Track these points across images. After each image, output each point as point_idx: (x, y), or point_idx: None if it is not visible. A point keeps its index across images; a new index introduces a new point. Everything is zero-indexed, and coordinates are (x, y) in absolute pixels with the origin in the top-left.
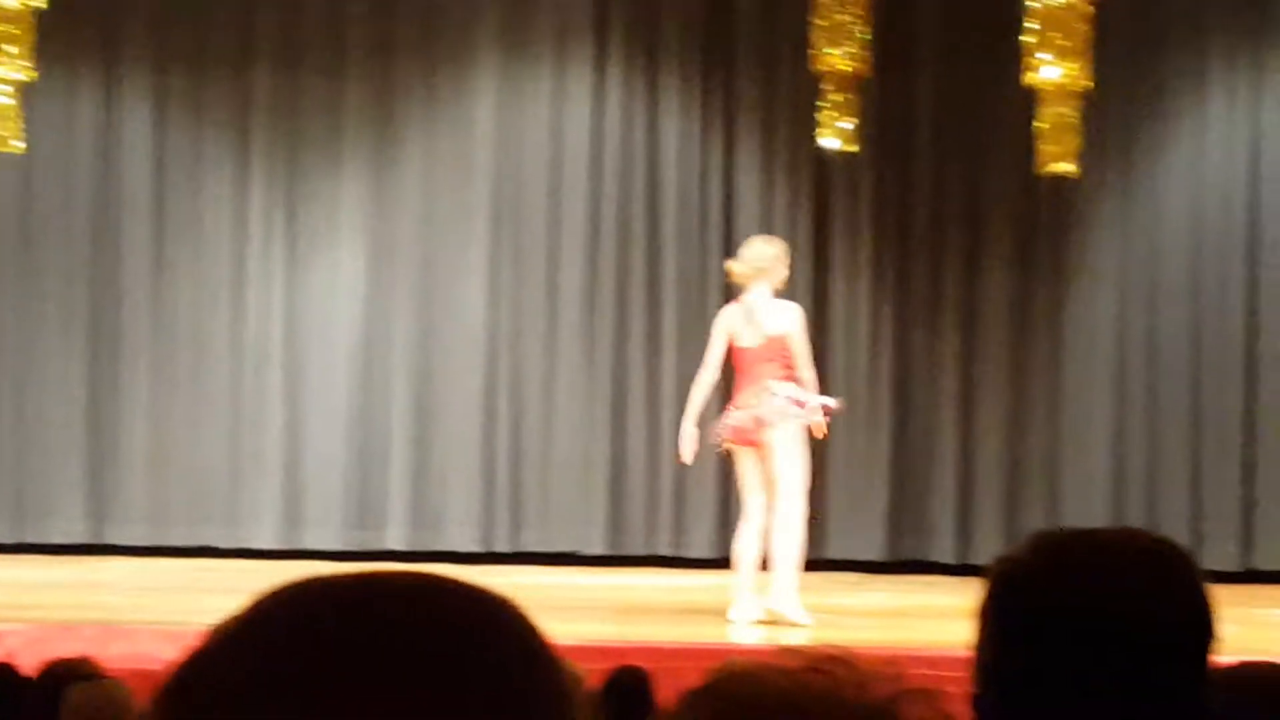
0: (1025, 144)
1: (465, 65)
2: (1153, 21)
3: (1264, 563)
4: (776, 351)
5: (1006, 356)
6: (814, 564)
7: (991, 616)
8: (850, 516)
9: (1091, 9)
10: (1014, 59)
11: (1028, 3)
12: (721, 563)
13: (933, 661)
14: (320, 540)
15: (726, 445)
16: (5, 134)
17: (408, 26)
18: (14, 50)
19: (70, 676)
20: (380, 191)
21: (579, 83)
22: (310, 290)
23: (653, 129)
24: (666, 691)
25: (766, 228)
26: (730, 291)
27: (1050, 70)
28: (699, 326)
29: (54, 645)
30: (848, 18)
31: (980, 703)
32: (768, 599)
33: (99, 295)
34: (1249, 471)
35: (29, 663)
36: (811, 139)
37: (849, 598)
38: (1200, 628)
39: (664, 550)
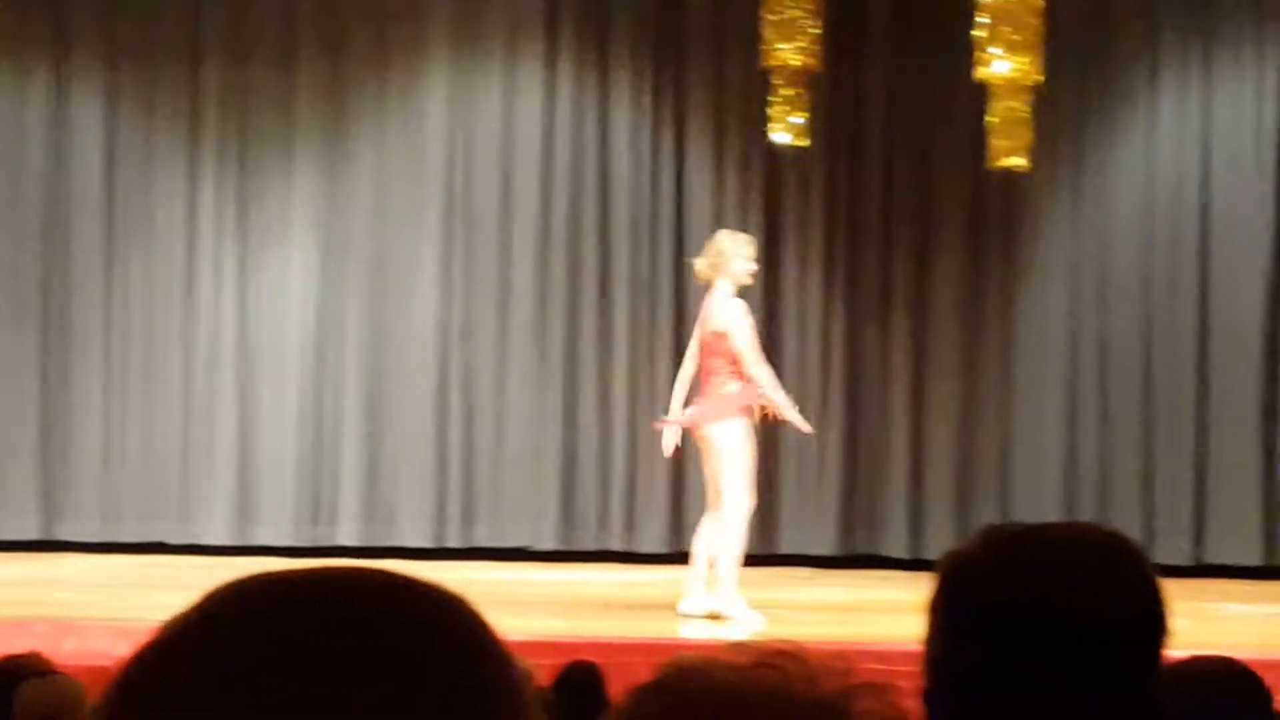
0: (976, 139)
1: (416, 61)
2: (1104, 17)
3: (1215, 557)
4: (720, 348)
5: (958, 352)
6: (766, 559)
7: (942, 611)
8: (802, 512)
9: (1042, 3)
10: (965, 53)
11: None
12: (673, 558)
13: (885, 656)
14: (272, 536)
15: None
16: None
17: (358, 22)
18: None
19: (22, 673)
20: (332, 187)
21: (530, 78)
22: (262, 287)
23: (604, 125)
24: (618, 687)
25: (718, 223)
26: (682, 286)
27: (1001, 65)
28: (650, 322)
29: (6, 642)
30: (798, 13)
31: (930, 697)
32: (712, 596)
33: (50, 292)
34: (1200, 466)
35: None
36: (762, 134)
37: (801, 593)
38: (1151, 622)
39: (615, 546)
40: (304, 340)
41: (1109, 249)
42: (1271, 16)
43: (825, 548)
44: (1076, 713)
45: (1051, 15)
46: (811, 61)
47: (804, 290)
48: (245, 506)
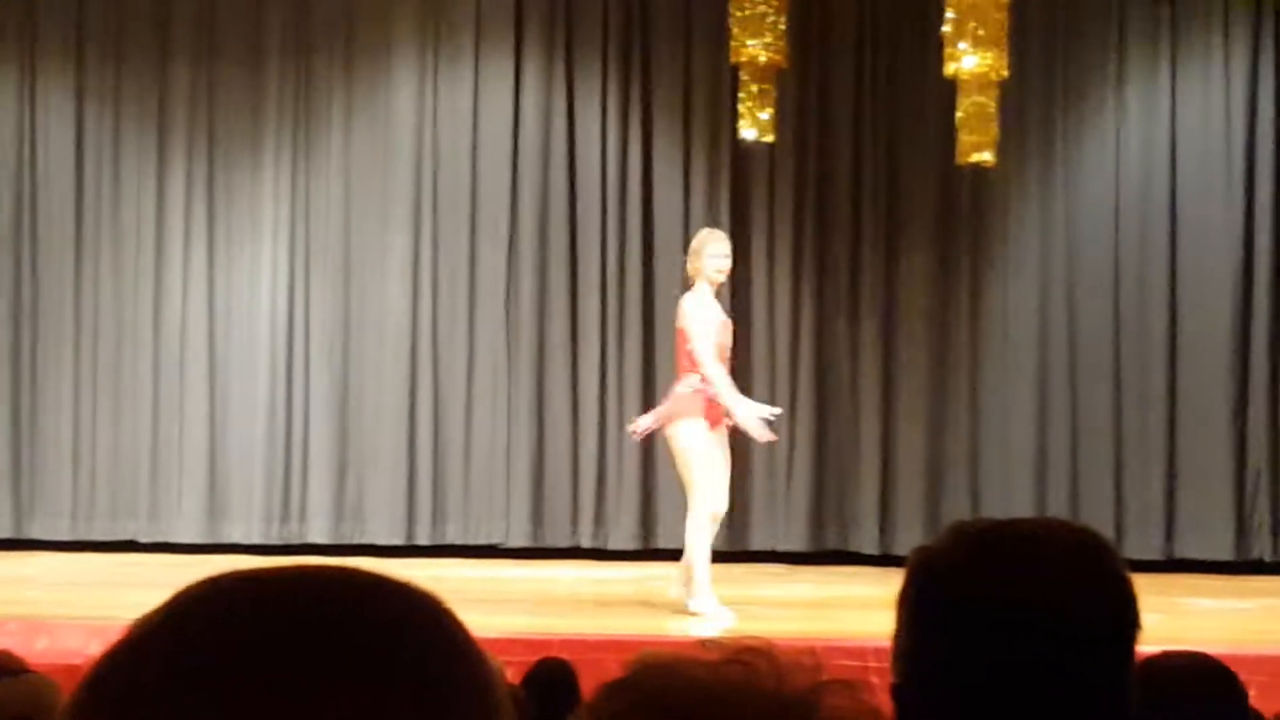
0: (944, 135)
1: (384, 56)
2: (1071, 11)
3: (1186, 552)
4: (684, 347)
5: (927, 347)
6: (737, 555)
7: (911, 607)
8: (772, 508)
9: None
10: (932, 48)
11: None
12: (643, 555)
13: (855, 652)
14: (242, 534)
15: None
16: None
17: (327, 20)
18: None
19: None
20: (300, 185)
21: (498, 76)
22: (231, 285)
23: (572, 122)
24: (589, 684)
25: (685, 219)
26: (650, 283)
27: (968, 60)
28: (619, 318)
29: None
30: (765, 9)
31: (900, 692)
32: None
33: (19, 289)
34: (1170, 462)
35: None
36: (730, 129)
37: (772, 589)
38: (1122, 617)
39: (586, 543)
40: (273, 338)
41: (1078, 244)
42: (1238, 9)
43: (796, 544)
44: (1047, 708)
45: (1018, 10)
46: (778, 57)
47: (772, 287)
48: (215, 504)
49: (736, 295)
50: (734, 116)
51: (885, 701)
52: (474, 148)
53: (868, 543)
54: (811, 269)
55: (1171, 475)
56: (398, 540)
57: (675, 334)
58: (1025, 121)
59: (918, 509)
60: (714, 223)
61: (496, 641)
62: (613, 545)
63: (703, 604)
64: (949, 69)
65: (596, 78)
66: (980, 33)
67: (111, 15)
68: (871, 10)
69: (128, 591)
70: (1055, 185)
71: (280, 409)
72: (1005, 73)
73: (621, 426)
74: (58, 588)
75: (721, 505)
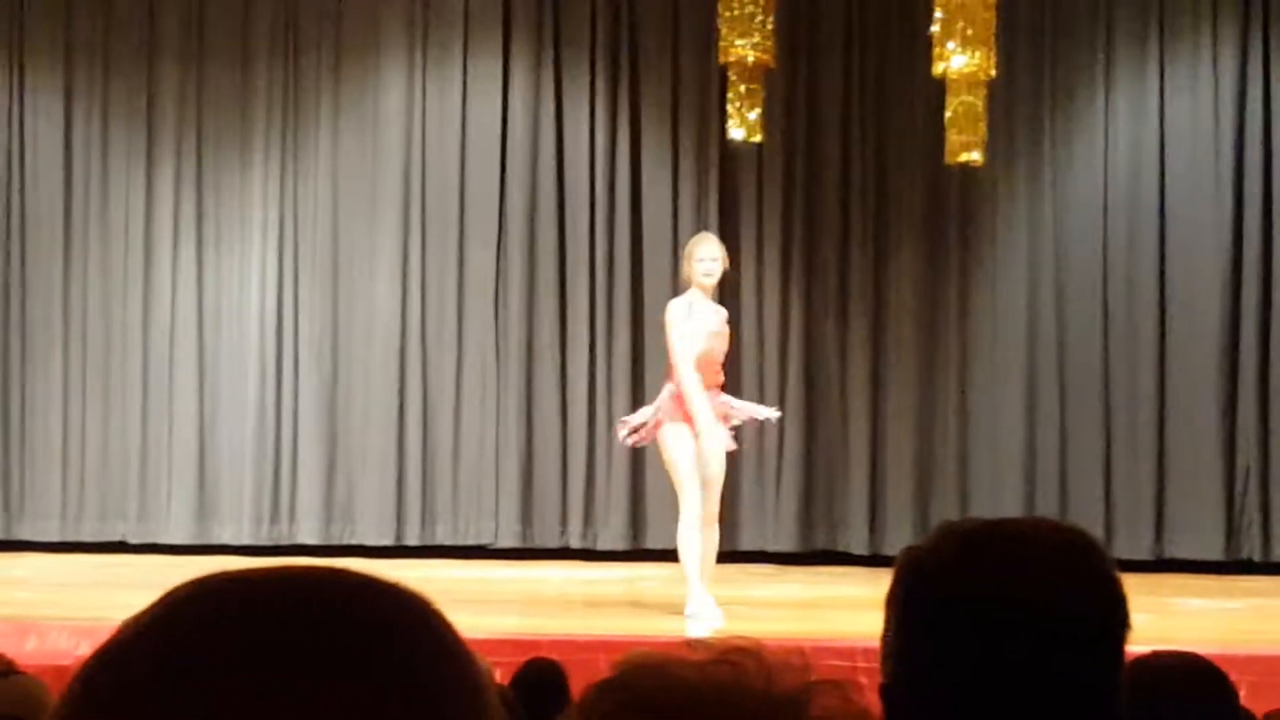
0: (933, 134)
1: (373, 56)
2: (1059, 11)
3: (1175, 552)
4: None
5: (916, 347)
6: (726, 556)
7: (900, 606)
8: (762, 508)
9: None
10: (920, 48)
11: None
12: (632, 555)
13: (845, 652)
14: (231, 535)
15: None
16: None
17: (315, 18)
18: None
19: None
20: (289, 184)
21: (486, 76)
22: (220, 285)
23: (560, 120)
24: (578, 685)
25: (674, 219)
26: (639, 283)
27: (956, 59)
28: (608, 319)
29: None
30: (753, 8)
31: (889, 692)
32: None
33: (7, 290)
34: (1160, 461)
35: None
36: (718, 129)
37: (761, 589)
38: (1111, 617)
39: (575, 543)
40: (262, 338)
41: (1067, 245)
42: (1226, 8)
43: (785, 544)
44: (1037, 709)
45: (1006, 10)
46: (766, 57)
47: (761, 287)
48: (205, 505)
49: (724, 296)
50: (722, 116)
51: (874, 702)
52: (462, 148)
53: (857, 543)
54: (800, 269)
55: (1161, 475)
56: (387, 541)
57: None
58: (1014, 121)
59: (907, 509)
60: (702, 223)
61: (486, 642)
62: (602, 546)
63: (695, 606)
64: (937, 69)
65: (585, 78)
66: (969, 32)
67: (100, 15)
68: (860, 10)
69: (117, 592)
70: (1044, 185)
71: (269, 410)
72: (994, 72)
73: (611, 427)
74: (47, 589)
75: (698, 507)
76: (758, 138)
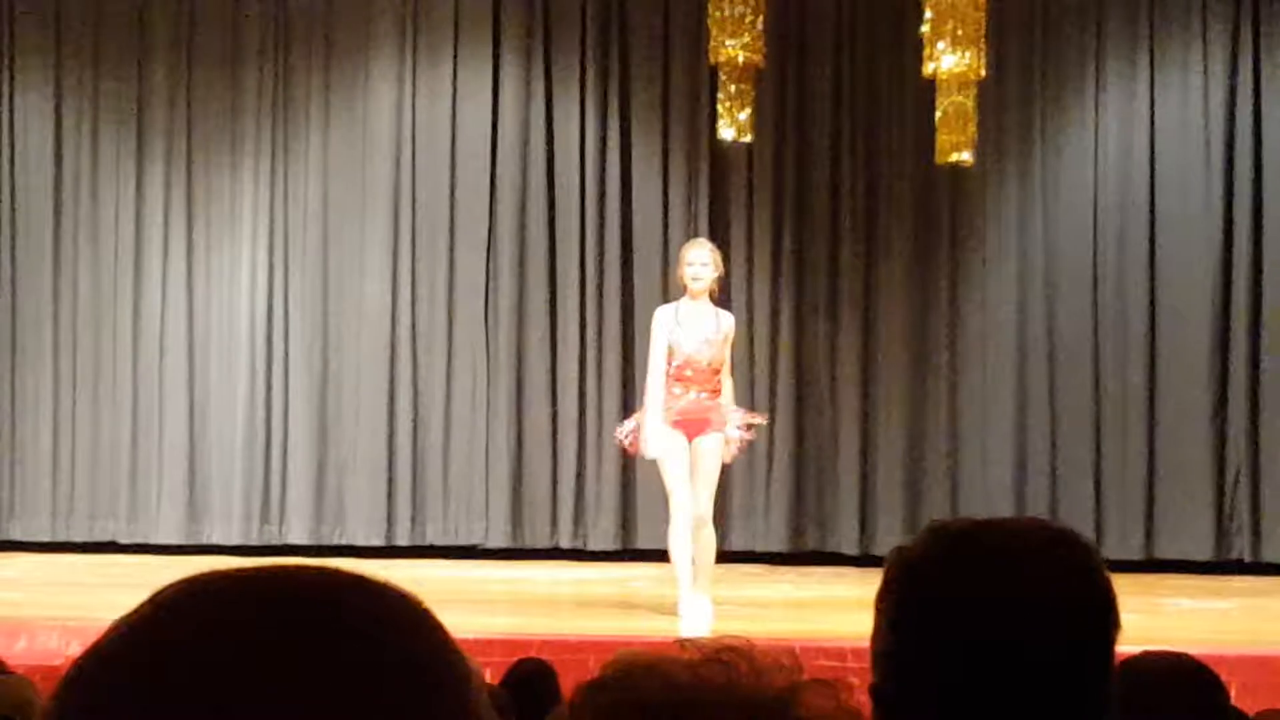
0: (923, 134)
1: (363, 56)
2: (1050, 11)
3: (1166, 552)
4: None
5: (906, 347)
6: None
7: (890, 607)
8: (752, 508)
9: None
10: (910, 48)
11: None
12: (622, 555)
13: (835, 652)
14: (222, 535)
15: None
16: None
17: (305, 17)
18: None
19: None
20: (279, 184)
21: (476, 76)
22: (210, 286)
23: (550, 120)
24: (568, 685)
25: (664, 219)
26: (629, 284)
27: (947, 59)
28: (598, 319)
29: None
30: (743, 8)
31: (879, 692)
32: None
33: None
34: (1150, 461)
35: None
36: (708, 129)
37: (751, 589)
38: (1101, 616)
39: (565, 543)
40: (252, 338)
41: (1057, 245)
42: (1216, 9)
43: (775, 544)
44: (1027, 708)
45: (996, 10)
46: (757, 58)
47: (751, 287)
48: (195, 505)
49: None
50: (712, 117)
51: (864, 702)
52: (452, 148)
53: (847, 543)
54: (790, 269)
55: (1151, 475)
56: (377, 541)
57: None
58: (1004, 122)
59: (897, 509)
60: (692, 223)
61: (476, 642)
62: (592, 546)
63: (683, 607)
64: (927, 69)
65: (575, 77)
66: (959, 32)
67: (90, 14)
68: (850, 10)
69: (107, 592)
70: (1034, 185)
71: (259, 410)
72: (984, 73)
73: (601, 427)
74: (37, 589)
75: (685, 509)
76: (748, 138)
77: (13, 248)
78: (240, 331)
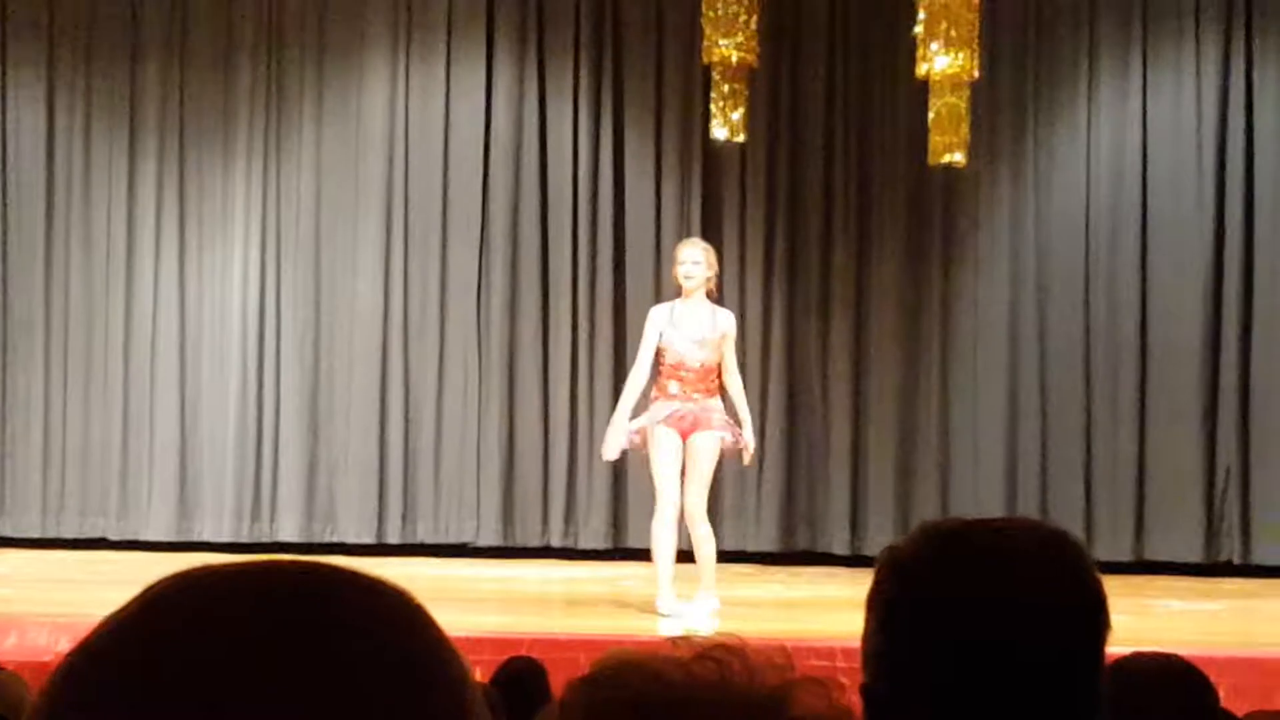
0: (916, 135)
1: (356, 54)
2: (1043, 12)
3: (1156, 554)
4: None
5: (898, 347)
6: None
7: (881, 606)
8: (743, 508)
9: None
10: (904, 49)
11: None
12: (613, 554)
13: (825, 652)
14: (212, 532)
15: None
16: None
17: (298, 15)
18: None
19: None
20: (272, 181)
21: (469, 74)
22: (202, 284)
23: (543, 119)
24: (558, 683)
25: (657, 218)
26: (622, 283)
27: (940, 60)
28: (590, 318)
29: None
30: (737, 8)
31: (870, 692)
32: (703, 594)
33: None
34: (1141, 462)
35: None
36: (701, 129)
37: (743, 589)
38: (1092, 616)
39: (556, 542)
40: (244, 336)
41: (1049, 245)
42: (1209, 10)
43: (766, 544)
44: (1017, 708)
45: (990, 11)
46: (750, 57)
47: (743, 286)
48: (186, 502)
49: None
50: (705, 116)
51: (855, 702)
52: (445, 146)
53: (838, 543)
54: (782, 269)
55: (1141, 476)
56: (368, 539)
57: None
58: (997, 123)
59: (888, 509)
60: (685, 222)
61: (466, 640)
62: (583, 544)
63: (661, 603)
64: (920, 70)
65: (568, 76)
66: (952, 33)
67: (83, 12)
68: (843, 11)
69: (98, 589)
70: (1026, 186)
71: (251, 407)
72: (977, 74)
73: (592, 426)
74: (27, 585)
75: (668, 503)
76: (741, 137)
77: (4, 244)
78: (232, 329)
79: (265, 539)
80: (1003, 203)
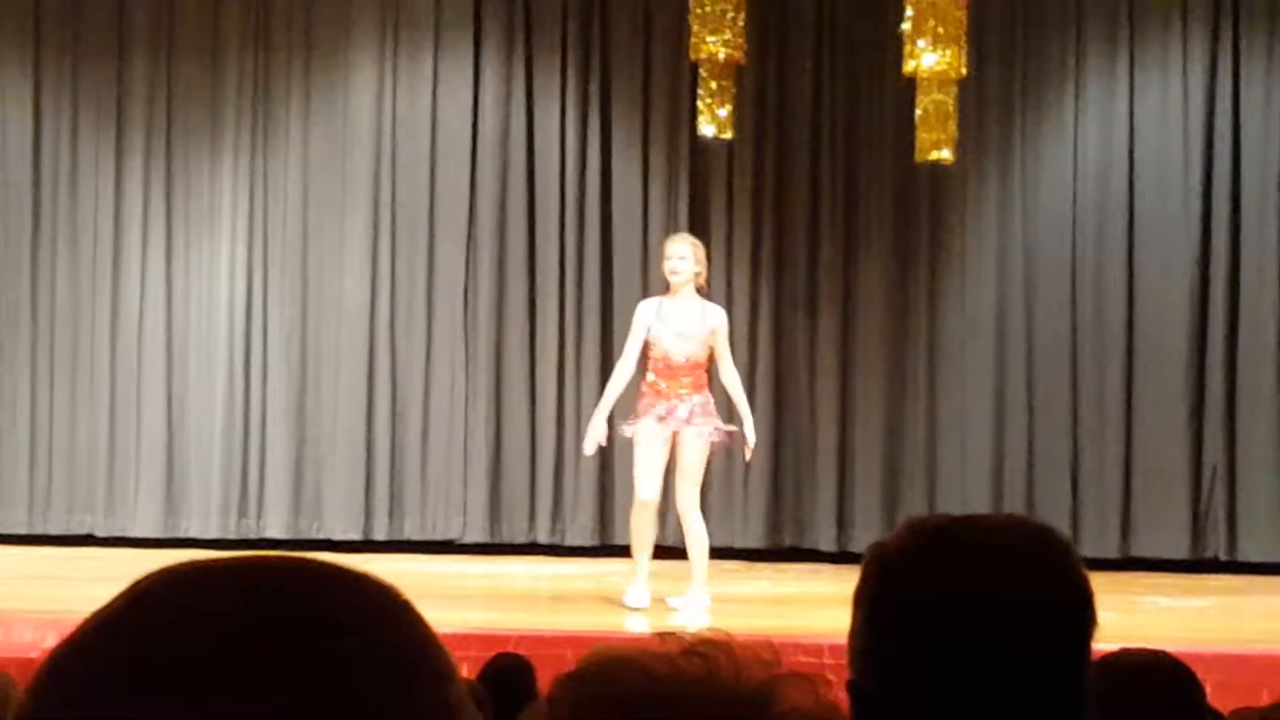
0: (903, 132)
1: (343, 51)
2: (1031, 9)
3: (1143, 551)
4: None
5: (885, 344)
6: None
7: (867, 602)
8: (729, 505)
9: None
10: (891, 46)
11: None
12: (600, 551)
13: (812, 649)
14: (199, 528)
15: None
16: None
17: (286, 12)
18: None
19: None
20: (259, 178)
21: (457, 71)
22: (189, 280)
23: (530, 117)
24: (545, 679)
25: (644, 215)
26: (609, 279)
27: (927, 57)
28: (577, 315)
29: None
30: (724, 5)
31: (857, 689)
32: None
33: None
34: (1127, 459)
35: None
36: (689, 126)
37: (729, 586)
38: (1079, 613)
39: (543, 538)
40: (231, 333)
41: (1036, 243)
42: (1196, 8)
43: (753, 541)
44: (1004, 705)
45: (977, 8)
46: (737, 54)
47: (730, 283)
48: (173, 498)
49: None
50: (693, 113)
51: (842, 698)
52: (433, 143)
53: (825, 540)
54: (770, 266)
55: (1128, 473)
56: (355, 535)
57: None
58: (984, 120)
59: (875, 506)
60: (672, 219)
61: (453, 637)
62: (570, 541)
63: (628, 595)
64: (908, 67)
65: (555, 74)
66: (939, 31)
67: (70, 8)
68: (830, 7)
69: (84, 585)
70: (1014, 183)
71: (238, 403)
72: (964, 71)
73: (579, 422)
74: (14, 581)
75: (643, 493)
76: (728, 134)
77: None
78: (219, 326)
79: (252, 535)
80: (990, 200)
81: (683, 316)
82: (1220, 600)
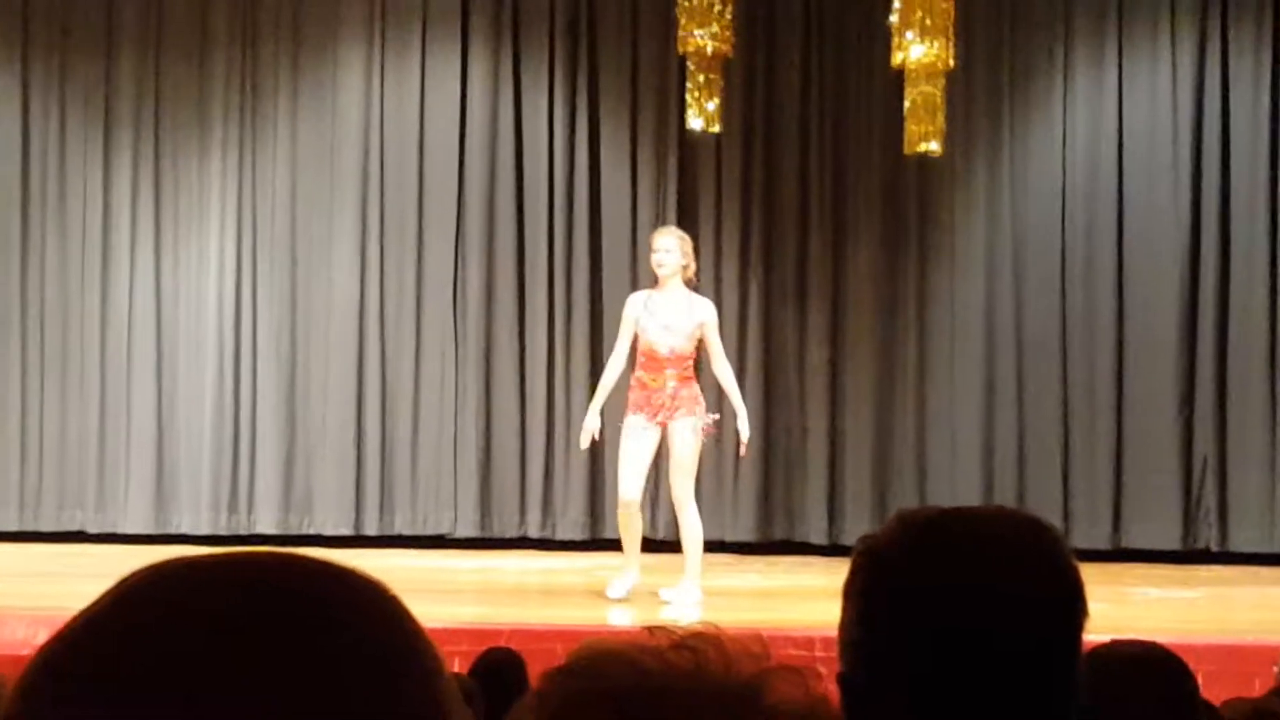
0: (891, 124)
1: (331, 47)
2: (1018, 1)
3: (1134, 542)
4: None
5: (874, 336)
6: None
7: (858, 595)
8: (720, 498)
9: None
10: (879, 38)
11: None
12: (590, 545)
13: (803, 642)
14: (190, 524)
15: None
16: None
17: (273, 8)
18: None
19: None
20: (247, 174)
21: (445, 64)
22: (178, 274)
23: (518, 111)
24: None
25: (633, 208)
26: (597, 273)
27: (915, 49)
28: (567, 308)
29: None
30: None
31: (848, 681)
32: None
33: None
34: (1118, 451)
35: None
36: (677, 119)
37: (719, 579)
38: (1069, 604)
39: (533, 533)
40: (220, 329)
41: (1025, 234)
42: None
43: (743, 534)
44: (995, 696)
45: (965, 1)
46: (725, 47)
47: (719, 277)
48: (163, 495)
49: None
50: (681, 106)
51: (832, 690)
52: (421, 138)
53: (815, 533)
54: (758, 259)
55: (1119, 465)
56: (345, 530)
57: None
58: (972, 112)
59: (865, 499)
60: (661, 212)
61: (444, 631)
62: (560, 535)
63: (611, 586)
64: (896, 59)
65: (543, 68)
66: (927, 23)
67: (58, 4)
68: (818, 0)
69: (75, 582)
70: (1002, 175)
71: (228, 399)
72: (952, 63)
73: (569, 417)
74: (4, 578)
75: (623, 493)
76: (716, 127)
77: None
78: (208, 322)
79: (243, 531)
80: (979, 192)
81: (669, 309)
82: (1211, 591)
